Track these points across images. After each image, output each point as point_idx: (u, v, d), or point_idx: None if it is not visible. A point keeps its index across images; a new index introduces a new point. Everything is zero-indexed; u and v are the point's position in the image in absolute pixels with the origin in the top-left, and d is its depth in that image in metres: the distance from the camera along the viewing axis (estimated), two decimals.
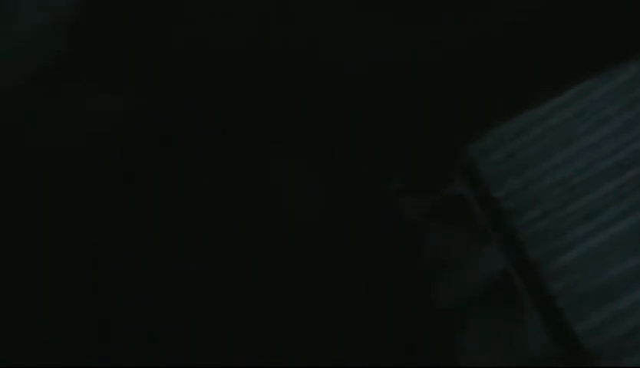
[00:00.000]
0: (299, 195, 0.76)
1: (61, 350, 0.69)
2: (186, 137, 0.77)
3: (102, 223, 0.73)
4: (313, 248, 0.74)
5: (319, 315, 0.72)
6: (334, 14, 0.83)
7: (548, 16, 0.78)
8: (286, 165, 0.77)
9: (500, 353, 0.72)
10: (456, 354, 0.73)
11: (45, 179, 0.74)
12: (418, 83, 0.79)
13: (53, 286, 0.71)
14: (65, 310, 0.70)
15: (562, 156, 0.76)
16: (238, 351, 0.69)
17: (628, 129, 0.75)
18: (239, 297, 0.71)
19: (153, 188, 0.75)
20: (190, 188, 0.76)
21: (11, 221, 0.73)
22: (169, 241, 0.73)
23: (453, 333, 0.73)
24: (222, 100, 0.80)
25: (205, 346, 0.69)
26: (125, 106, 0.80)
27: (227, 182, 0.76)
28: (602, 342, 0.69)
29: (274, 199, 0.76)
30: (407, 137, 0.79)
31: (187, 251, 0.73)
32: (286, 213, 0.75)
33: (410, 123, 0.79)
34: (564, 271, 0.72)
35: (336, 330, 0.71)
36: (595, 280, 0.71)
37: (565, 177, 0.75)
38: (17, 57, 0.82)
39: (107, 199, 0.74)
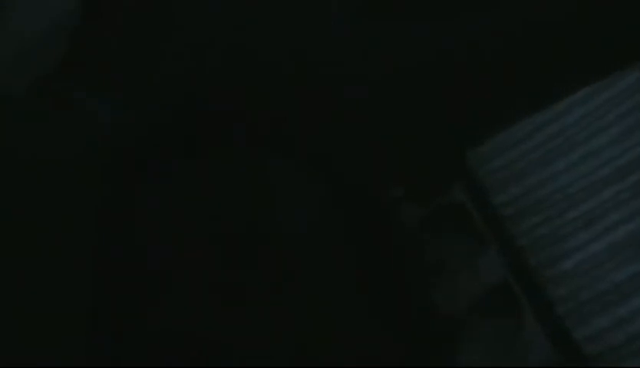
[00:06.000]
0: (297, 201, 0.76)
1: (60, 351, 0.69)
2: (182, 143, 0.77)
3: (98, 227, 0.73)
4: (311, 255, 0.74)
5: (316, 321, 0.72)
6: (333, 18, 0.83)
7: (547, 24, 0.78)
8: (284, 171, 0.77)
9: (500, 360, 0.72)
10: (455, 361, 0.73)
11: (41, 186, 0.74)
12: (418, 89, 0.79)
13: (52, 288, 0.71)
14: (65, 311, 0.70)
15: (562, 162, 0.76)
16: (233, 353, 0.70)
17: (628, 135, 0.75)
18: (235, 300, 0.71)
19: (149, 194, 0.76)
20: (187, 193, 0.76)
21: (9, 226, 0.73)
22: (166, 243, 0.73)
23: (452, 340, 0.73)
24: (219, 105, 0.80)
25: (201, 347, 0.69)
26: (123, 111, 0.80)
27: (223, 186, 0.76)
28: (602, 348, 0.69)
29: (272, 204, 0.76)
30: (406, 143, 0.79)
31: (184, 253, 0.73)
32: (284, 219, 0.75)
33: (409, 129, 0.79)
34: (564, 277, 0.72)
35: (334, 338, 0.71)
36: (595, 286, 0.71)
37: (565, 184, 0.75)
38: (17, 64, 0.82)
39: (103, 204, 0.74)
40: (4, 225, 0.73)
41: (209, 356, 0.69)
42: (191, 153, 0.77)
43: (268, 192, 0.76)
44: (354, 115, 0.79)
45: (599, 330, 0.70)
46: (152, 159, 0.77)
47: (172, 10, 0.84)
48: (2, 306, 0.70)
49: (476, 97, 0.79)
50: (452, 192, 0.78)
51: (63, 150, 0.77)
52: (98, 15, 0.84)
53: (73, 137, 0.78)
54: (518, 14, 0.79)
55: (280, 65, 0.81)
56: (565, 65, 0.79)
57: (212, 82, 0.81)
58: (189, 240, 0.73)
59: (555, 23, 0.78)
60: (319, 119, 0.79)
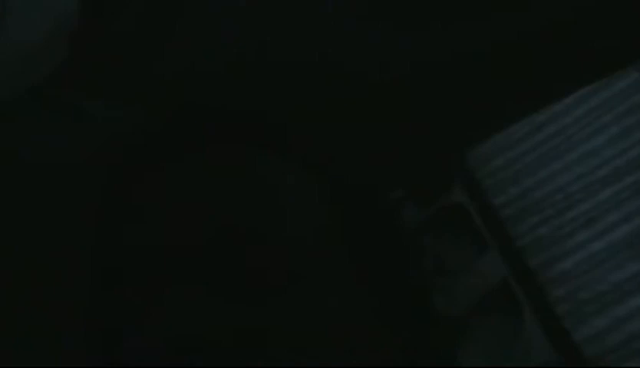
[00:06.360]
0: (297, 201, 0.76)
1: (60, 351, 0.69)
2: (181, 143, 0.77)
3: (98, 227, 0.73)
4: (311, 255, 0.74)
5: (316, 321, 0.72)
6: (334, 23, 0.83)
7: (546, 25, 0.78)
8: (284, 171, 0.77)
9: (500, 361, 0.72)
10: (455, 361, 0.73)
11: (41, 187, 0.74)
12: (418, 90, 0.79)
13: (52, 288, 0.71)
14: (65, 311, 0.70)
15: (560, 163, 0.76)
16: (233, 353, 0.70)
17: (627, 135, 0.75)
18: (235, 300, 0.71)
19: (149, 194, 0.76)
20: (187, 193, 0.76)
21: (9, 226, 0.73)
22: (166, 243, 0.73)
23: (453, 341, 0.73)
24: (221, 108, 0.80)
25: (201, 347, 0.69)
26: (123, 116, 0.80)
27: (223, 186, 0.76)
28: (602, 348, 0.69)
29: (272, 205, 0.76)
30: (406, 144, 0.79)
31: (183, 254, 0.73)
32: (284, 219, 0.75)
33: (409, 129, 0.79)
34: (564, 277, 0.72)
35: (334, 338, 0.71)
36: (594, 286, 0.71)
37: (563, 184, 0.75)
38: (18, 67, 0.82)
39: (103, 204, 0.74)
40: (5, 225, 0.73)
41: (209, 356, 0.69)
42: (190, 153, 0.77)
43: (269, 193, 0.76)
44: (355, 115, 0.79)
45: (599, 329, 0.70)
46: (152, 159, 0.77)
47: (172, 10, 0.84)
48: (2, 306, 0.70)
49: (476, 97, 0.79)
50: (452, 192, 0.78)
51: (63, 151, 0.77)
52: (98, 16, 0.84)
53: (73, 138, 0.78)
54: (518, 16, 0.79)
55: (280, 65, 0.81)
56: (565, 65, 0.79)
57: (212, 82, 0.81)
58: (189, 240, 0.73)
59: (555, 23, 0.78)
60: (319, 120, 0.79)
